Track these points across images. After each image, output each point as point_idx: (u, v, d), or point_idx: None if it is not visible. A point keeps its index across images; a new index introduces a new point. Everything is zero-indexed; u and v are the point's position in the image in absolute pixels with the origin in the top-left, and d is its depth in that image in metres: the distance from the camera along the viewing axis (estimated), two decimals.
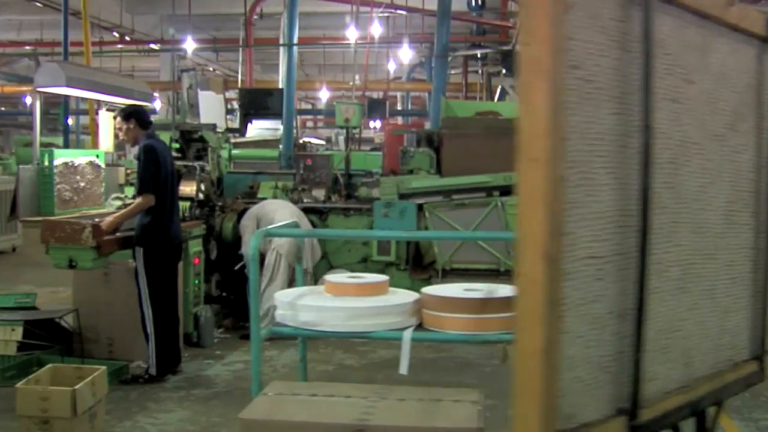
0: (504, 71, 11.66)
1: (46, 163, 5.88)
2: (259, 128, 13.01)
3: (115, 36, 17.14)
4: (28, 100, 21.53)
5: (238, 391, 5.88)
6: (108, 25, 16.40)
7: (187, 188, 7.49)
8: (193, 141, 7.70)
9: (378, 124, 17.39)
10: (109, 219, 5.84)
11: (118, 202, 6.81)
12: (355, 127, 8.61)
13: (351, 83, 15.49)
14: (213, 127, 7.92)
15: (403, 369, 3.24)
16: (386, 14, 14.11)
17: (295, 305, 3.41)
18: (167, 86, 19.44)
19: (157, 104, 24.78)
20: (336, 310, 3.37)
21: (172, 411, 5.39)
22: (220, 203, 7.91)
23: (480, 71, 17.63)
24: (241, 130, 12.31)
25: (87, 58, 7.16)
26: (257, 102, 12.30)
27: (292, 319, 3.42)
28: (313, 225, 8.24)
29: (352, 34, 13.68)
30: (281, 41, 12.09)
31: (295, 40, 10.76)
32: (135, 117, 5.93)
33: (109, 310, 6.60)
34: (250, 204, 7.91)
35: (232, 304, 8.03)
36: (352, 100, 11.72)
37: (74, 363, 6.24)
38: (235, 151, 12.00)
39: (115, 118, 6.11)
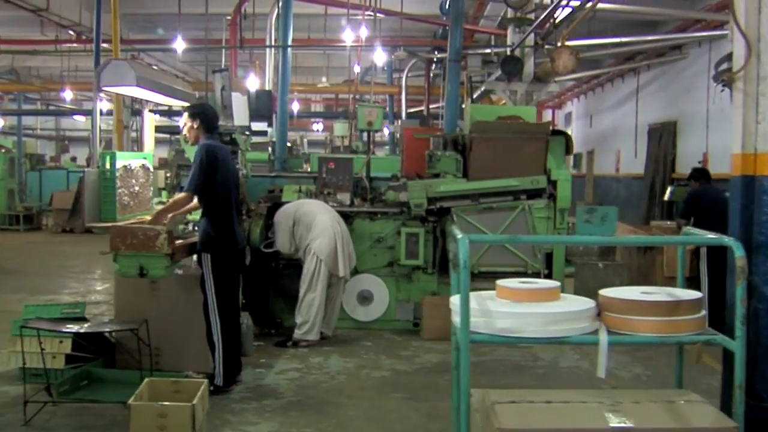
0: (492, 76, 11.81)
1: (108, 167, 5.59)
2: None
3: (70, 34, 16.43)
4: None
5: (311, 400, 5.76)
6: (68, 23, 15.69)
7: None
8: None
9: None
10: (149, 217, 5.63)
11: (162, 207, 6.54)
12: (377, 130, 8.53)
13: (320, 85, 15.34)
14: (246, 129, 7.71)
15: (602, 372, 3.23)
16: (362, 17, 14.03)
17: (490, 312, 3.36)
18: None
19: (105, 105, 24.00)
20: (534, 316, 3.35)
21: (256, 423, 5.22)
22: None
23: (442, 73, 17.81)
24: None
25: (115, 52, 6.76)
26: (268, 104, 12.02)
27: (488, 326, 3.37)
28: None
29: (348, 36, 13.53)
30: (268, 42, 11.87)
31: (290, 42, 10.57)
32: (201, 118, 5.73)
33: (155, 319, 6.31)
34: (273, 208, 7.75)
35: (254, 310, 7.83)
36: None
37: (118, 374, 6.04)
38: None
39: (181, 114, 5.88)
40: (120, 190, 5.68)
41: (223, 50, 13.58)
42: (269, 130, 12.01)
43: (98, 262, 12.98)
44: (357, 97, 15.00)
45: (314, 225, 7.30)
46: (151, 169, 6.42)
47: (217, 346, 5.73)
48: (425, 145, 8.52)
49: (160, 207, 6.66)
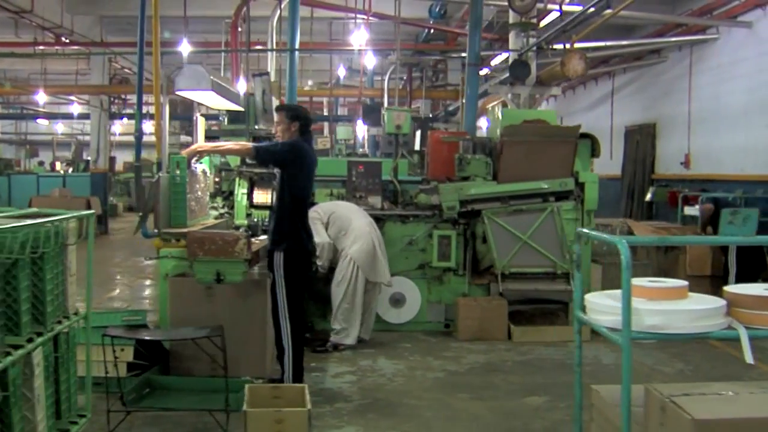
0: (495, 79, 11.97)
1: (178, 172, 5.54)
2: None
3: (50, 36, 16.06)
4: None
5: (380, 402, 5.82)
6: (50, 24, 15.34)
7: (262, 196, 7.24)
8: None
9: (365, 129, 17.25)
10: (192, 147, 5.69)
11: (215, 212, 6.51)
12: (405, 134, 8.60)
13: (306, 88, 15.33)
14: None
15: (750, 359, 3.35)
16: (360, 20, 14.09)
17: (639, 311, 3.48)
18: (99, 90, 18.49)
19: (77, 108, 23.47)
20: (679, 313, 3.47)
21: (340, 426, 5.25)
22: None
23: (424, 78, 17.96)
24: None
25: (155, 57, 6.52)
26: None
27: (637, 324, 3.48)
28: None
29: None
30: (270, 46, 11.83)
31: (297, 45, 10.56)
32: (300, 121, 5.73)
33: (211, 324, 6.28)
34: None
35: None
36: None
37: (179, 381, 5.99)
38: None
39: (276, 111, 5.87)
40: (188, 195, 5.63)
41: (223, 54, 13.44)
42: None
43: (115, 267, 12.76)
44: (366, 100, 15.01)
45: (351, 230, 7.32)
46: (210, 174, 6.37)
47: (286, 350, 5.73)
48: (450, 149, 8.62)
49: (215, 213, 6.64)
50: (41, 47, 17.25)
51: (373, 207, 8.23)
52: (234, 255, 5.23)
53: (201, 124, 6.63)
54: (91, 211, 4.33)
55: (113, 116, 19.25)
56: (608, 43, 15.29)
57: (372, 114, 11.81)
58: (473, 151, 8.39)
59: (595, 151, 8.45)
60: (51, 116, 24.57)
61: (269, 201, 7.55)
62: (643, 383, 4.10)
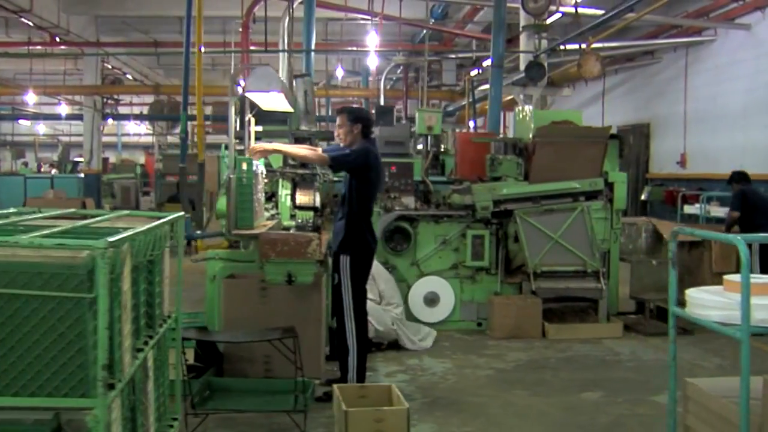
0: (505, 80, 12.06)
1: (245, 173, 5.55)
2: None
3: (44, 36, 15.86)
4: None
5: (443, 400, 5.91)
6: (47, 24, 15.13)
7: (305, 197, 7.26)
8: None
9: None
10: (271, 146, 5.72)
11: (267, 213, 6.52)
12: (436, 135, 8.68)
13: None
14: (329, 134, 7.73)
15: None
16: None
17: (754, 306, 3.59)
18: (92, 90, 18.28)
19: (65, 109, 23.12)
20: None
21: (414, 425, 5.28)
22: None
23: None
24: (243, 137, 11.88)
25: (198, 60, 6.48)
26: (258, 107, 11.92)
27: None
28: (406, 232, 8.27)
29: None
30: (281, 46, 11.81)
31: (313, 46, 10.60)
32: (363, 123, 5.77)
33: (265, 326, 6.30)
34: None
35: None
36: None
37: (239, 383, 6.00)
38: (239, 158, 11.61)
39: (338, 113, 5.89)
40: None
41: (233, 54, 13.39)
42: None
43: None
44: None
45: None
46: (264, 174, 6.38)
47: (351, 351, 5.77)
48: (479, 149, 8.73)
49: (267, 215, 6.63)
50: (38, 47, 17.07)
51: (406, 207, 8.30)
52: (306, 256, 5.27)
53: (253, 125, 6.63)
54: (182, 213, 4.33)
55: (115, 117, 19.05)
56: (605, 45, 15.48)
57: (385, 115, 11.88)
58: (504, 152, 8.50)
59: (622, 152, 8.61)
60: (42, 117, 24.11)
61: (312, 202, 7.59)
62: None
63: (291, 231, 6.66)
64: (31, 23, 15.38)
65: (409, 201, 8.34)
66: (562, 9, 10.83)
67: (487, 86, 14.49)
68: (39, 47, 17.09)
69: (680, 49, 15.74)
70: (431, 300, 8.27)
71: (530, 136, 8.33)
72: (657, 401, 5.91)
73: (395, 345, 7.40)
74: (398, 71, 18.89)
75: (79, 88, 18.33)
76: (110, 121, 24.43)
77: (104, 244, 2.58)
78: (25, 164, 25.71)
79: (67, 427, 2.99)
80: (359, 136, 5.83)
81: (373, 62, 15.59)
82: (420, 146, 11.15)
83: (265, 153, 5.79)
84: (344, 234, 5.68)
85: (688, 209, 13.96)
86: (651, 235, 9.00)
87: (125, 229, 3.63)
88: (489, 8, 14.08)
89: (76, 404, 2.69)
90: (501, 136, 9.18)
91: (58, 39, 15.98)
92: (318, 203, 7.64)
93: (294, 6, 11.72)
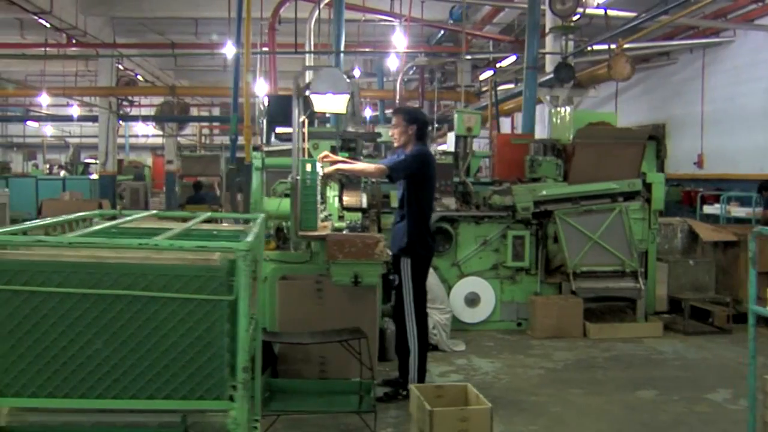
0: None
1: (308, 175, 5.59)
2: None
3: (62, 37, 15.86)
4: None
5: (502, 400, 5.93)
6: (65, 26, 15.14)
7: (353, 199, 7.31)
8: (348, 149, 7.53)
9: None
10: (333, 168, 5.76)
11: (321, 215, 6.56)
12: (475, 136, 8.73)
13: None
14: (375, 136, 7.78)
15: None
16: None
17: None
18: (107, 91, 18.29)
19: (76, 110, 23.08)
20: None
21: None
22: None
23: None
24: (267, 138, 11.93)
25: (247, 62, 6.49)
26: (286, 109, 11.96)
27: None
28: (447, 233, 8.33)
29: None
30: (307, 48, 11.86)
31: (342, 47, 10.64)
32: (418, 125, 5.81)
33: (321, 327, 6.34)
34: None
35: None
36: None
37: (295, 384, 6.04)
38: (268, 160, 11.65)
39: (394, 113, 5.92)
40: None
41: (258, 56, 13.41)
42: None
43: None
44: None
45: None
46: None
47: (412, 351, 5.82)
48: (517, 150, 8.79)
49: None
50: (54, 48, 17.05)
51: (447, 208, 8.35)
52: (374, 257, 5.32)
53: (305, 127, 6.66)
54: (262, 215, 4.37)
55: (125, 119, 19.05)
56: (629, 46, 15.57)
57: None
58: (543, 153, 8.56)
59: (660, 153, 8.68)
60: (57, 119, 24.05)
61: (359, 203, 7.64)
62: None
63: (344, 232, 6.72)
64: (48, 24, 15.38)
65: (450, 202, 8.39)
66: (589, 11, 10.88)
67: (505, 86, 14.59)
68: (54, 49, 17.03)
69: (697, 50, 15.82)
70: (472, 300, 8.32)
71: (569, 137, 8.40)
72: (713, 399, 5.99)
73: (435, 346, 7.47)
74: (411, 72, 18.95)
75: (95, 90, 18.32)
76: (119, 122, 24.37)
77: (246, 246, 2.63)
78: (36, 166, 25.68)
79: (192, 430, 3.04)
80: (413, 137, 5.87)
81: (393, 63, 15.64)
82: (446, 146, 11.25)
83: (330, 172, 5.84)
84: (406, 237, 5.71)
85: (707, 209, 14.03)
86: (687, 235, 9.07)
87: (239, 231, 3.68)
88: (510, 9, 14.21)
89: (212, 406, 2.73)
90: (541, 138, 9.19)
91: (74, 40, 15.94)
92: (365, 204, 7.70)
93: (321, 6, 11.76)
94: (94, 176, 23.25)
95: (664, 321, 8.59)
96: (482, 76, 18.51)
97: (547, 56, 11.76)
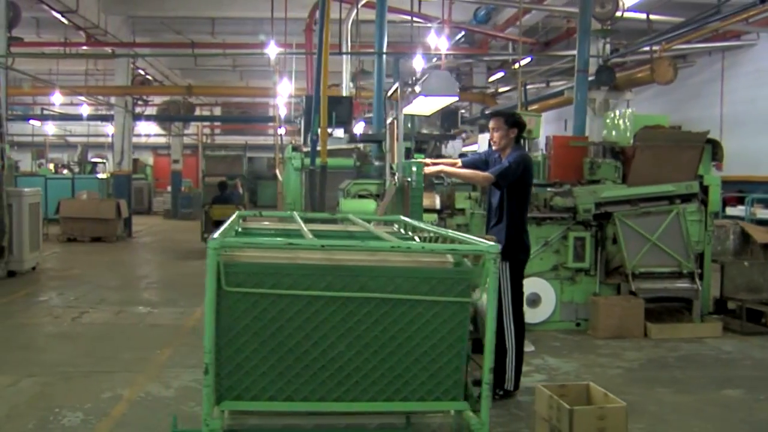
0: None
1: (414, 176, 5.65)
2: None
3: (81, 36, 15.75)
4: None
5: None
6: (89, 24, 15.03)
7: (428, 200, 7.39)
8: (421, 150, 7.60)
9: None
10: (436, 168, 5.80)
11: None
12: (534, 138, 8.83)
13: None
14: (450, 137, 7.84)
15: None
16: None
17: None
18: (123, 90, 18.18)
19: (86, 109, 22.86)
20: None
21: None
22: None
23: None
24: (304, 139, 11.97)
25: (326, 64, 6.53)
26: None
27: None
28: None
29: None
30: (344, 49, 11.89)
31: (384, 48, 10.70)
32: (518, 128, 5.88)
33: None
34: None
35: None
36: None
37: None
38: (307, 160, 11.70)
39: (493, 117, 5.98)
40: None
41: (293, 56, 13.41)
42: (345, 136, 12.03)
43: (176, 270, 12.61)
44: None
45: None
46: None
47: (509, 351, 5.89)
48: (574, 153, 8.89)
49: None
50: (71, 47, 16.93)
51: None
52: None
53: (394, 129, 6.71)
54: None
55: (142, 118, 18.95)
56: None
57: (450, 117, 12.01)
58: (603, 155, 8.67)
59: (716, 155, 8.82)
60: (69, 118, 23.80)
61: (434, 204, 7.72)
62: None
63: None
64: (67, 22, 15.28)
65: None
66: (628, 14, 11.02)
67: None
68: (70, 48, 16.91)
69: (715, 53, 16.05)
70: (533, 301, 8.41)
71: (629, 140, 8.51)
72: None
73: None
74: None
75: (112, 89, 18.20)
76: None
77: (496, 249, 2.69)
78: (40, 165, 25.46)
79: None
80: (513, 140, 5.95)
81: (419, 64, 15.69)
82: (477, 147, 11.33)
83: (433, 174, 5.90)
84: (504, 240, 5.78)
85: (730, 211, 14.25)
86: (739, 236, 9.23)
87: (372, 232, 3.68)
88: (537, 11, 14.33)
89: (450, 407, 2.79)
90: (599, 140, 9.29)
91: (94, 39, 15.84)
92: (438, 205, 7.80)
93: (359, 6, 11.79)
94: (101, 175, 23.15)
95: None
96: (491, 78, 18.65)
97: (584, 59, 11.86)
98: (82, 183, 21.53)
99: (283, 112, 20.60)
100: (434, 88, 5.62)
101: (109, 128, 27.71)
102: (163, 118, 21.39)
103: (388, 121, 6.72)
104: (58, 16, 14.57)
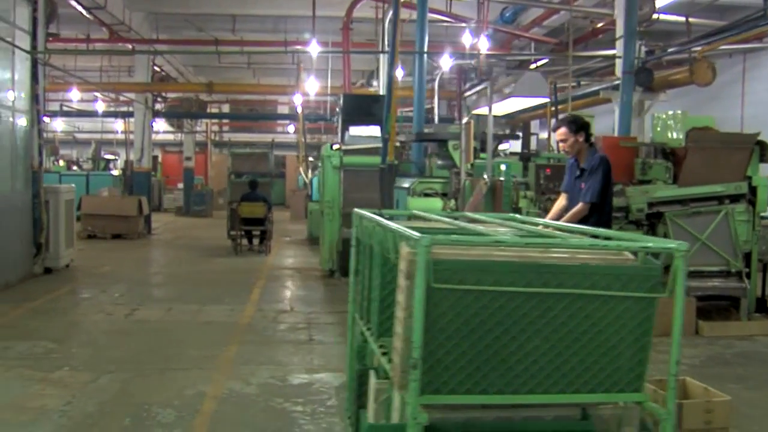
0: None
1: (503, 177, 5.74)
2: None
3: (103, 32, 15.75)
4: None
5: None
6: (115, 21, 15.03)
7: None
8: (483, 150, 7.69)
9: None
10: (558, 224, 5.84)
11: None
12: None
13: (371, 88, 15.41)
14: (514, 137, 7.93)
15: None
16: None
17: None
18: (145, 88, 18.19)
19: (101, 106, 22.82)
20: None
21: None
22: None
23: None
24: (342, 137, 12.06)
25: (395, 60, 6.59)
26: (361, 108, 12.11)
27: None
28: None
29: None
30: (380, 48, 11.97)
31: (426, 47, 10.78)
32: (585, 131, 5.98)
33: None
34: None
35: None
36: None
37: None
38: (346, 159, 11.78)
39: (556, 128, 6.08)
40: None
41: (329, 55, 13.47)
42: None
43: (203, 264, 12.66)
44: None
45: None
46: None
47: None
48: (624, 153, 9.00)
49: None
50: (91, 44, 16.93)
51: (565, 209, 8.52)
52: None
53: (470, 129, 6.80)
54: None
55: (157, 114, 18.95)
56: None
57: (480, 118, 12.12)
58: (654, 156, 8.79)
59: (764, 157, 8.94)
60: (85, 114, 23.76)
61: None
62: None
63: None
64: (92, 18, 15.29)
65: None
66: (665, 17, 11.15)
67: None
68: (89, 44, 16.90)
69: (736, 54, 16.21)
70: None
71: (680, 141, 8.63)
72: None
73: None
74: (444, 73, 19.15)
75: (132, 85, 18.21)
76: (130, 119, 24.22)
77: (685, 247, 2.78)
78: (56, 161, 25.40)
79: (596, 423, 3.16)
80: (583, 143, 6.05)
81: (446, 64, 15.80)
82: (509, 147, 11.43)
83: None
84: None
85: None
86: None
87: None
88: (566, 12, 14.44)
89: (631, 399, 2.88)
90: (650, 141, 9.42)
91: (115, 36, 15.85)
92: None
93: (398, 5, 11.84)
94: (115, 172, 23.14)
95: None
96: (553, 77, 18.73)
97: (617, 61, 12.00)
98: (97, 179, 21.50)
99: (299, 110, 20.67)
100: (527, 89, 5.70)
101: (118, 125, 27.79)
102: (183, 115, 21.42)
103: (464, 121, 6.80)
104: (84, 12, 14.55)
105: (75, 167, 25.73)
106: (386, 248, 3.41)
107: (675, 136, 8.79)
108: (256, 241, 15.49)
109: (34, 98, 11.39)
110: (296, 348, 7.46)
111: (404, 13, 13.37)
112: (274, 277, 12.19)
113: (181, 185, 27.47)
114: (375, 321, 3.61)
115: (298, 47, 15.84)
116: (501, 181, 5.78)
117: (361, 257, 4.20)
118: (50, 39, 11.73)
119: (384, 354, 3.38)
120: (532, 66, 17.67)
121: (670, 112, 9.00)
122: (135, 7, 15.90)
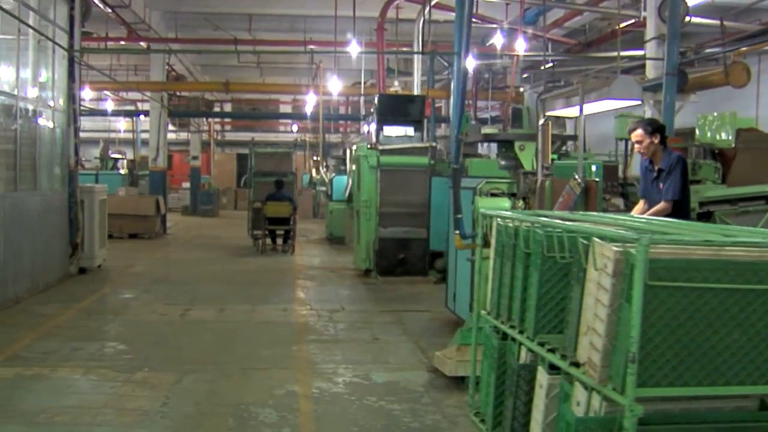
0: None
1: (596, 177, 5.85)
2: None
3: (122, 30, 15.69)
4: None
5: None
6: (136, 20, 15.00)
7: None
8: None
9: None
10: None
11: None
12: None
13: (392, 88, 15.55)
14: (572, 138, 8.04)
15: None
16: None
17: None
18: (161, 87, 18.14)
19: (110, 105, 22.65)
20: None
21: None
22: None
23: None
24: (377, 137, 12.14)
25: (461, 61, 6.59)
26: (397, 108, 12.20)
27: None
28: None
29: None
30: (416, 48, 12.05)
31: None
32: (660, 133, 6.10)
33: None
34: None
35: None
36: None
37: None
38: (383, 158, 11.86)
39: (633, 130, 6.18)
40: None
41: (363, 55, 13.52)
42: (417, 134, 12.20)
43: (239, 266, 12.69)
44: None
45: None
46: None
47: None
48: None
49: None
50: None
51: (617, 208, 8.64)
52: None
53: (548, 129, 6.88)
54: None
55: (171, 114, 18.92)
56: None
57: (518, 120, 12.21)
58: (703, 157, 8.94)
59: None
60: (98, 113, 23.64)
61: (620, 205, 7.92)
62: None
63: None
64: (115, 16, 15.24)
65: (619, 202, 8.65)
66: (697, 20, 11.31)
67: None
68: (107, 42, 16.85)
69: (750, 55, 16.40)
70: None
71: (730, 142, 8.80)
72: None
73: None
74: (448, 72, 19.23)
75: (148, 84, 18.14)
76: (138, 118, 24.13)
77: None
78: None
79: None
80: (658, 144, 6.18)
81: (470, 64, 15.92)
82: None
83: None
84: None
85: None
86: None
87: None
88: (589, 13, 14.60)
89: None
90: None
91: (134, 34, 15.82)
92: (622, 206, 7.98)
93: (431, 5, 11.95)
94: (122, 171, 23.04)
95: None
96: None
97: (648, 62, 12.16)
98: (106, 178, 21.34)
99: (309, 109, 20.71)
100: (618, 92, 5.80)
101: (121, 124, 27.65)
102: (198, 114, 21.37)
103: (541, 122, 6.89)
104: (109, 10, 14.51)
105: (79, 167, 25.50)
106: (550, 247, 3.53)
107: (724, 137, 8.95)
108: (279, 241, 15.51)
109: (71, 97, 11.36)
110: (365, 347, 7.52)
111: (435, 14, 13.53)
112: (309, 277, 12.24)
113: (185, 184, 27.39)
114: (531, 319, 3.70)
115: (312, 47, 15.90)
116: (596, 181, 5.88)
117: (497, 257, 4.29)
118: (83, 38, 11.70)
119: (550, 351, 3.48)
120: (548, 65, 17.85)
121: (716, 114, 9.15)
122: (155, 6, 15.85)
